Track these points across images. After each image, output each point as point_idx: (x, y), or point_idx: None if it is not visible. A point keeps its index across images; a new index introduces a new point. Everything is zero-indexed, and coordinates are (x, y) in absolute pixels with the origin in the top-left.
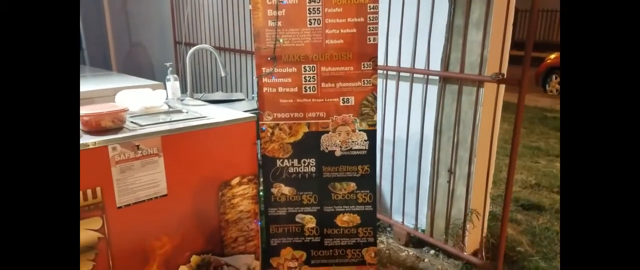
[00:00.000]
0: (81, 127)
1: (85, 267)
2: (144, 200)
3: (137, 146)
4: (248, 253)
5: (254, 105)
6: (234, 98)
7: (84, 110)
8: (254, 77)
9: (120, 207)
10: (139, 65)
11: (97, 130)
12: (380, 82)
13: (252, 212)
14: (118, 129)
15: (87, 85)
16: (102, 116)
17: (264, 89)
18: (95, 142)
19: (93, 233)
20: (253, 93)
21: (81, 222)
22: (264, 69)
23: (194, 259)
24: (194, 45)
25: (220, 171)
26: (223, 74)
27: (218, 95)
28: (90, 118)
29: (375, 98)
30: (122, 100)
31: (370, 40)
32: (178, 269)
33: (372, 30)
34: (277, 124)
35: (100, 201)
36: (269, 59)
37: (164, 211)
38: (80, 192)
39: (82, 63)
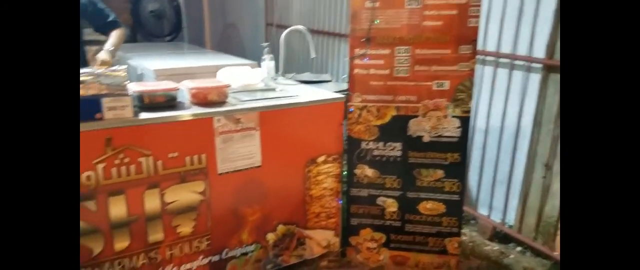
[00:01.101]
0: (190, 99)
1: (188, 226)
2: (240, 170)
3: (238, 119)
4: (329, 229)
5: (341, 86)
6: (322, 79)
7: (192, 83)
8: (342, 59)
9: (220, 174)
10: (230, 45)
11: (203, 102)
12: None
13: (334, 191)
14: (222, 102)
15: (189, 61)
16: (209, 90)
17: (355, 71)
18: (203, 114)
19: (196, 195)
20: (341, 75)
21: (187, 184)
22: (356, 50)
23: (281, 228)
24: (284, 27)
25: (308, 148)
26: (313, 55)
27: (307, 76)
28: (198, 91)
29: (472, 83)
30: (224, 77)
31: (471, 23)
32: (265, 235)
33: (474, 12)
34: (365, 106)
35: (204, 167)
36: (362, 40)
37: (257, 181)
38: (188, 157)
39: (182, 40)
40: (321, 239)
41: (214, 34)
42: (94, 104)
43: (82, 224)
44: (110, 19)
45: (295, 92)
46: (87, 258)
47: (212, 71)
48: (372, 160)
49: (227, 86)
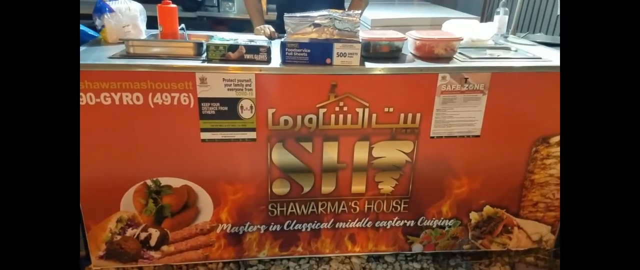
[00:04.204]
0: (413, 51)
1: (389, 184)
2: (455, 136)
3: (466, 79)
4: (545, 223)
5: None
6: (558, 42)
7: (418, 34)
8: None
9: (432, 137)
10: None
11: (428, 56)
12: None
13: None
14: (448, 58)
15: (405, 11)
16: (437, 43)
17: None
18: (428, 68)
19: (403, 155)
20: None
21: (396, 142)
22: None
23: (487, 209)
24: None
25: (540, 124)
26: (559, 13)
27: (540, 37)
28: (424, 43)
29: None
30: (450, 30)
31: None
32: (468, 213)
33: None
34: None
35: (417, 127)
36: None
37: (472, 152)
38: (402, 114)
39: None
40: (533, 231)
41: None
42: (327, 48)
43: (298, 162)
44: None
45: (536, 53)
46: (298, 194)
47: (429, 23)
48: None
49: (459, 40)
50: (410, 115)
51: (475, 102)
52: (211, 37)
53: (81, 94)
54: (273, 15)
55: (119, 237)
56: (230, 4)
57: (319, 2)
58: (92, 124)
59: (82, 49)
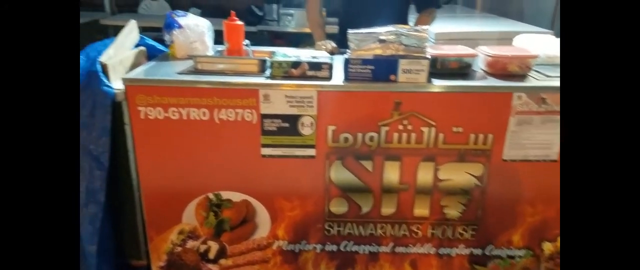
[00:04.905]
0: (485, 67)
1: (455, 209)
2: (531, 160)
3: (543, 99)
4: None
5: None
6: None
7: (490, 50)
8: None
9: (505, 160)
10: (507, 8)
11: (501, 74)
12: None
13: None
14: (523, 76)
15: (469, 25)
16: (511, 59)
17: None
18: (502, 87)
19: (471, 178)
20: None
21: (465, 164)
22: None
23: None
24: None
25: None
26: None
27: None
28: (496, 59)
29: None
30: (522, 45)
31: None
32: (541, 243)
33: None
34: None
35: (488, 149)
36: None
37: (548, 178)
38: (473, 135)
39: (454, 3)
40: None
41: None
42: (391, 64)
43: (357, 181)
44: None
45: None
46: (356, 214)
47: (496, 38)
48: None
49: (535, 57)
50: (481, 136)
51: (553, 124)
52: (274, 53)
53: (150, 108)
54: (333, 28)
55: (179, 249)
56: (289, 18)
57: (384, 18)
58: (160, 137)
59: (152, 63)
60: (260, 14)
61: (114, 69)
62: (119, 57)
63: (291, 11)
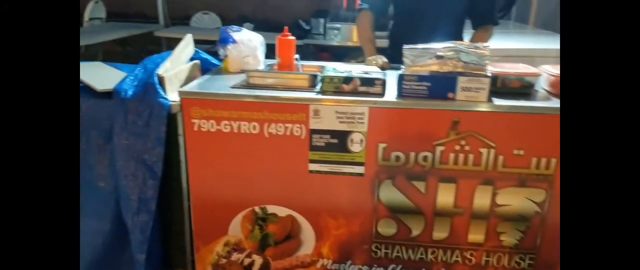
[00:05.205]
0: (549, 89)
1: (513, 236)
2: None
3: None
4: None
5: None
6: None
7: (554, 70)
8: None
9: None
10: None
11: None
12: None
13: None
14: None
15: (524, 41)
16: None
17: None
18: None
19: (532, 204)
20: None
21: (525, 189)
22: None
23: None
24: None
25: None
26: None
27: None
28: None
29: None
30: None
31: None
32: None
33: None
34: None
35: (551, 174)
36: None
37: None
38: (535, 159)
39: (508, 19)
40: None
41: (542, 10)
42: (450, 82)
43: (408, 202)
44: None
45: None
46: (405, 236)
47: (554, 55)
48: None
49: None
50: (543, 160)
51: None
52: (324, 68)
53: (203, 120)
54: (382, 42)
55: (224, 261)
56: (335, 31)
57: (438, 34)
58: (211, 149)
59: (206, 76)
60: (306, 28)
61: (170, 81)
62: (175, 70)
63: (338, 25)
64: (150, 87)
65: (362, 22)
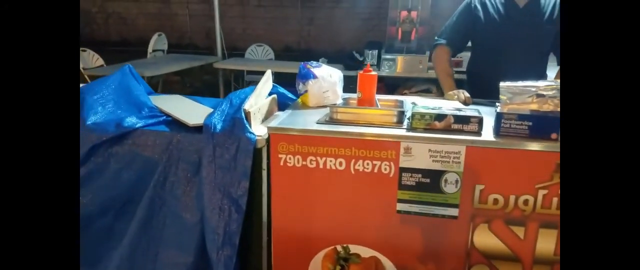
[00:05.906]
0: None
1: None
2: None
3: None
4: None
5: None
6: None
7: None
8: None
9: None
10: None
11: None
12: None
13: None
14: None
15: None
16: None
17: None
18: None
19: None
20: None
21: None
22: None
23: None
24: None
25: None
26: None
27: None
28: None
29: None
30: None
31: None
32: None
33: None
34: None
35: None
36: None
37: None
38: None
39: None
40: None
41: None
42: (553, 122)
43: (505, 249)
44: None
45: None
46: None
47: None
48: None
49: None
50: None
51: None
52: (402, 102)
53: (290, 155)
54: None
55: None
56: (390, 63)
57: (521, 69)
58: (295, 184)
59: (288, 111)
60: (360, 59)
61: (255, 116)
62: (258, 105)
63: (392, 56)
64: (238, 122)
65: (440, 56)
